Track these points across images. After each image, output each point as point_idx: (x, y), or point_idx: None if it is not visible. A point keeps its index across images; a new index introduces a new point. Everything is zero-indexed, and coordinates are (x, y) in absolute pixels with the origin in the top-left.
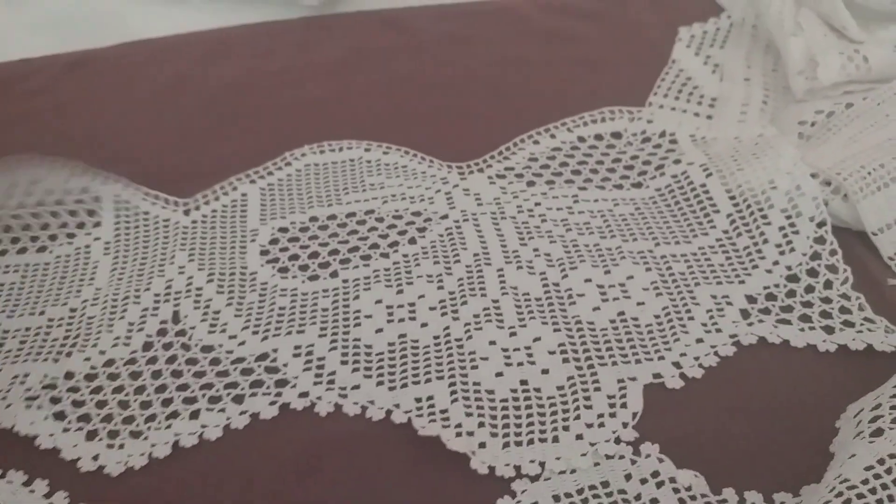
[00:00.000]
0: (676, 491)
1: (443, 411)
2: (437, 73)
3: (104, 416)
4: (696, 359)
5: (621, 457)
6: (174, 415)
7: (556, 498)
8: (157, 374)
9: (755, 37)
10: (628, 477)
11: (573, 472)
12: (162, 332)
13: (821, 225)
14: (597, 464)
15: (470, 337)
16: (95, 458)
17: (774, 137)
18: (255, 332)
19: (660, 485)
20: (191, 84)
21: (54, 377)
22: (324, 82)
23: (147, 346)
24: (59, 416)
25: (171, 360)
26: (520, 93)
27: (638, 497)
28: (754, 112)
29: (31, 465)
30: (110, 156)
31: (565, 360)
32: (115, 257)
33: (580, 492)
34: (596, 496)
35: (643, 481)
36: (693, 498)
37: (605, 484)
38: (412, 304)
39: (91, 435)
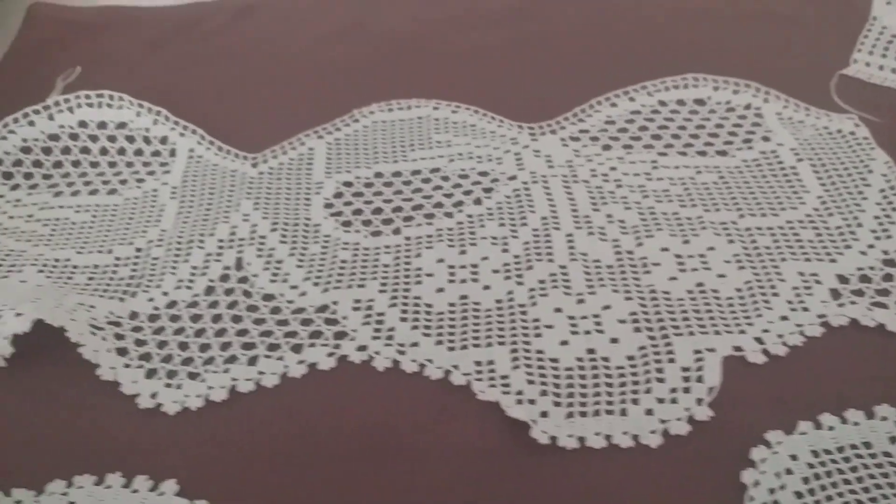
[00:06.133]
0: None
1: (503, 377)
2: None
3: (164, 356)
4: (780, 336)
5: (884, 418)
6: (232, 359)
7: (815, 453)
8: (217, 319)
9: None
10: (893, 440)
11: (831, 428)
12: (224, 278)
13: None
14: (856, 423)
15: (535, 303)
16: (154, 395)
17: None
18: (317, 284)
19: None
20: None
21: (119, 316)
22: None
23: (209, 291)
24: (122, 351)
25: (232, 305)
26: (696, 49)
27: None
28: None
29: (93, 391)
30: (255, 99)
31: (637, 330)
32: (182, 202)
33: (840, 450)
34: (858, 456)
35: None
36: None
37: (868, 445)
38: (475, 266)
39: (150, 373)
